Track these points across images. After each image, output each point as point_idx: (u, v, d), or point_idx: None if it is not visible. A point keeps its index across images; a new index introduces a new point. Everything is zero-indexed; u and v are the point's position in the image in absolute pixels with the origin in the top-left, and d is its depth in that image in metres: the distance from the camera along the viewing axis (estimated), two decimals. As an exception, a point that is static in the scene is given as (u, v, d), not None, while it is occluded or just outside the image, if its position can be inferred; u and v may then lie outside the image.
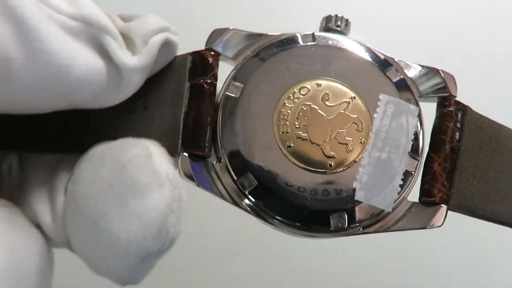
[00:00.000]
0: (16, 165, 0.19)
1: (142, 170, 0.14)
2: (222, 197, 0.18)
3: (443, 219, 0.18)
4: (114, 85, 0.17)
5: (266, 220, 0.18)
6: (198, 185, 0.17)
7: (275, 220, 0.18)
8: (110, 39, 0.16)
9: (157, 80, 0.19)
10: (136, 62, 0.17)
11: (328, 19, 0.20)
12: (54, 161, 0.19)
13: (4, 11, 0.14)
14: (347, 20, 0.20)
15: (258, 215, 0.18)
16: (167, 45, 0.18)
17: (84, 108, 0.17)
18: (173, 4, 0.31)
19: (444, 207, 0.18)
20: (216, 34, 0.19)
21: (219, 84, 0.19)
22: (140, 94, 0.18)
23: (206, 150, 0.18)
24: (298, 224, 0.18)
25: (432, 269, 0.32)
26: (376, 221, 0.18)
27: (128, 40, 0.17)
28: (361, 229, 0.18)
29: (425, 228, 0.18)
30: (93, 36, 0.16)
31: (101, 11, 0.16)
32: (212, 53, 0.19)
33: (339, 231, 0.18)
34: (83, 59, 0.15)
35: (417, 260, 0.32)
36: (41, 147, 0.19)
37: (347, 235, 0.18)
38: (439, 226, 0.18)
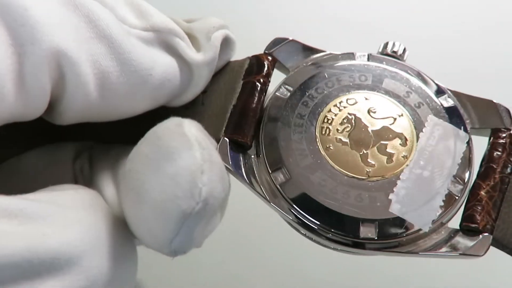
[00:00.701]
0: (87, 165, 0.21)
1: (173, 136, 0.15)
2: (253, 188, 0.18)
3: (485, 248, 0.16)
4: (188, 80, 0.19)
5: (291, 220, 0.17)
6: (231, 170, 0.18)
7: (301, 221, 0.17)
8: (179, 40, 0.18)
9: (216, 78, 0.20)
10: (202, 57, 0.19)
11: (385, 44, 0.21)
12: (116, 153, 0.20)
13: (98, 33, 0.16)
14: (404, 48, 0.20)
15: (285, 211, 0.17)
16: (227, 41, 0.20)
17: (167, 107, 0.19)
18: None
19: (488, 236, 0.17)
20: (276, 41, 0.20)
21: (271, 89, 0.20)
22: (200, 91, 0.20)
23: (247, 138, 0.18)
24: (324, 227, 0.17)
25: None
26: (409, 241, 0.17)
27: (193, 39, 0.19)
28: (395, 245, 0.17)
29: (464, 255, 0.16)
30: (164, 40, 0.18)
31: (167, 17, 0.19)
32: (269, 58, 0.20)
33: (368, 243, 0.17)
34: (161, 61, 0.18)
35: None
36: (117, 139, 0.20)
37: (376, 251, 0.17)
38: (480, 256, 0.16)
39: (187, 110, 0.20)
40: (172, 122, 0.16)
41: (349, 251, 0.18)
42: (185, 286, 0.28)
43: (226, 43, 0.20)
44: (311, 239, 0.18)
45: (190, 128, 0.15)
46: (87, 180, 0.20)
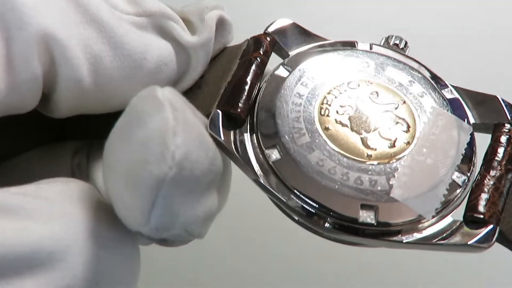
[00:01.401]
0: (85, 160, 0.20)
1: (144, 100, 0.14)
2: (243, 165, 0.16)
3: (492, 240, 0.15)
4: (185, 64, 0.19)
5: (281, 200, 0.16)
6: (223, 142, 0.16)
7: (293, 201, 0.16)
8: (173, 23, 0.18)
9: (214, 62, 0.19)
10: (197, 39, 0.18)
11: (387, 38, 0.20)
12: None
13: (87, 18, 0.16)
14: (406, 42, 0.20)
15: (273, 190, 0.16)
16: (223, 22, 0.19)
17: None
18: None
19: (494, 227, 0.15)
20: (277, 23, 0.20)
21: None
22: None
23: (239, 110, 0.17)
24: (321, 208, 0.16)
25: None
26: (410, 230, 0.16)
27: (187, 23, 0.19)
28: (395, 233, 0.16)
29: (469, 247, 0.15)
30: (158, 24, 0.18)
31: (160, 3, 0.18)
32: (268, 38, 0.19)
33: (366, 228, 0.16)
34: (156, 45, 0.18)
35: None
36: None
37: (375, 239, 0.16)
38: (485, 248, 0.15)
39: (186, 94, 0.19)
40: (147, 89, 0.15)
41: (346, 239, 0.16)
42: (185, 283, 0.26)
43: (222, 24, 0.19)
44: (303, 225, 0.17)
45: (164, 91, 0.14)
46: (84, 175, 0.19)
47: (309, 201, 0.16)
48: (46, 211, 0.13)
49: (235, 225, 0.27)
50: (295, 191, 0.16)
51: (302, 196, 0.16)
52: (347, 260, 0.28)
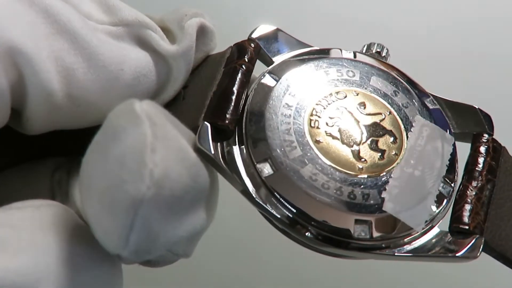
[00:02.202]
0: (66, 177, 0.19)
1: (121, 114, 0.13)
2: (234, 179, 0.16)
3: (479, 250, 0.16)
4: (166, 74, 0.18)
5: (274, 217, 0.16)
6: (212, 156, 0.16)
7: (290, 218, 0.16)
8: (151, 32, 0.17)
9: (198, 72, 0.19)
10: (177, 48, 0.17)
11: (369, 45, 0.20)
12: None
13: (58, 29, 0.15)
14: (387, 49, 0.20)
15: (266, 205, 0.16)
16: (204, 30, 0.18)
17: None
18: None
19: (480, 238, 0.16)
20: (260, 28, 0.19)
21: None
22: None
23: (227, 121, 0.16)
24: (312, 223, 0.16)
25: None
26: (402, 243, 0.16)
27: (167, 32, 0.18)
28: (387, 246, 0.16)
29: (456, 258, 0.16)
30: (135, 34, 0.17)
31: (137, 12, 0.17)
32: (252, 44, 0.18)
33: (360, 243, 0.16)
34: (133, 55, 0.17)
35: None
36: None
37: (367, 252, 0.16)
38: (475, 258, 0.16)
39: (169, 107, 0.18)
40: (124, 102, 0.14)
41: (338, 253, 0.16)
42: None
43: (203, 32, 0.18)
44: (297, 240, 0.16)
45: (142, 105, 0.13)
46: (64, 193, 0.18)
47: (304, 217, 0.16)
48: (13, 242, 0.12)
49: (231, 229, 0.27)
50: (289, 206, 0.16)
51: (296, 211, 0.16)
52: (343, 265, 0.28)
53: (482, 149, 0.18)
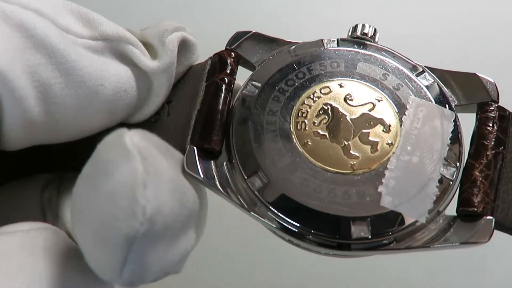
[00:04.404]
0: (56, 195, 0.19)
1: (111, 148, 0.13)
2: (230, 198, 0.16)
3: (489, 234, 0.15)
4: (147, 90, 0.18)
5: (275, 228, 0.16)
6: (202, 180, 0.16)
7: (286, 228, 0.16)
8: (132, 47, 0.17)
9: (181, 86, 0.19)
10: (158, 63, 0.17)
11: (355, 27, 0.19)
12: None
13: (34, 43, 0.15)
14: (375, 29, 0.19)
15: (268, 218, 0.16)
16: (186, 44, 0.18)
17: (130, 123, 0.18)
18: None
19: (490, 219, 0.15)
20: (237, 36, 0.19)
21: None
22: (164, 102, 0.18)
23: (213, 143, 0.16)
24: (311, 231, 0.15)
25: None
26: (406, 236, 0.16)
27: (148, 46, 0.18)
28: (391, 242, 0.15)
29: (466, 244, 0.15)
30: (116, 49, 0.17)
31: (118, 26, 0.17)
32: (232, 54, 0.18)
33: (361, 243, 0.15)
34: (113, 70, 0.17)
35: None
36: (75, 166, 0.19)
37: (371, 251, 0.16)
38: (484, 242, 0.15)
39: (153, 123, 0.18)
40: (114, 133, 0.14)
41: (342, 254, 0.16)
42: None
43: (185, 46, 0.18)
44: (300, 246, 0.16)
45: (132, 137, 0.13)
46: (55, 212, 0.18)
47: (300, 225, 0.15)
48: (3, 268, 0.13)
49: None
50: (284, 217, 0.16)
51: (292, 222, 0.15)
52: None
53: (488, 119, 0.17)
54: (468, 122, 0.18)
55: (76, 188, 0.14)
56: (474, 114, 0.17)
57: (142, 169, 0.13)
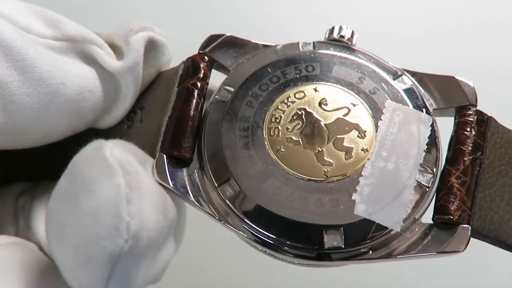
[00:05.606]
0: (30, 203, 0.18)
1: (91, 163, 0.13)
2: (201, 207, 0.16)
3: (465, 242, 0.14)
4: (114, 91, 0.17)
5: (247, 238, 0.15)
6: (172, 189, 0.15)
7: (258, 238, 0.15)
8: (96, 47, 0.17)
9: (153, 91, 0.18)
10: (122, 63, 0.17)
11: (331, 30, 0.19)
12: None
13: None
14: (352, 31, 0.19)
15: (239, 228, 0.15)
16: (154, 44, 0.18)
17: (99, 128, 0.18)
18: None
19: (466, 227, 0.15)
20: (211, 39, 0.18)
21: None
22: (137, 108, 0.18)
23: (184, 151, 0.16)
24: (284, 241, 0.15)
25: None
26: (381, 245, 0.15)
27: (114, 47, 0.17)
28: (366, 252, 0.15)
29: (442, 253, 0.15)
30: (79, 49, 0.17)
31: (83, 27, 0.17)
32: (205, 57, 0.18)
33: (335, 253, 0.15)
34: (76, 70, 0.16)
35: None
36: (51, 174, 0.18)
37: (346, 261, 0.15)
38: (460, 252, 0.14)
39: (126, 130, 0.18)
40: (92, 146, 0.13)
41: (316, 264, 0.15)
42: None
43: (153, 46, 0.18)
44: (273, 256, 0.16)
45: (112, 151, 0.13)
46: (28, 220, 0.18)
47: (271, 235, 0.15)
48: None
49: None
50: (255, 227, 0.15)
51: (262, 231, 0.15)
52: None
53: (466, 123, 0.16)
54: (447, 126, 0.17)
55: (53, 203, 0.14)
56: (453, 118, 0.17)
57: (124, 184, 0.13)
